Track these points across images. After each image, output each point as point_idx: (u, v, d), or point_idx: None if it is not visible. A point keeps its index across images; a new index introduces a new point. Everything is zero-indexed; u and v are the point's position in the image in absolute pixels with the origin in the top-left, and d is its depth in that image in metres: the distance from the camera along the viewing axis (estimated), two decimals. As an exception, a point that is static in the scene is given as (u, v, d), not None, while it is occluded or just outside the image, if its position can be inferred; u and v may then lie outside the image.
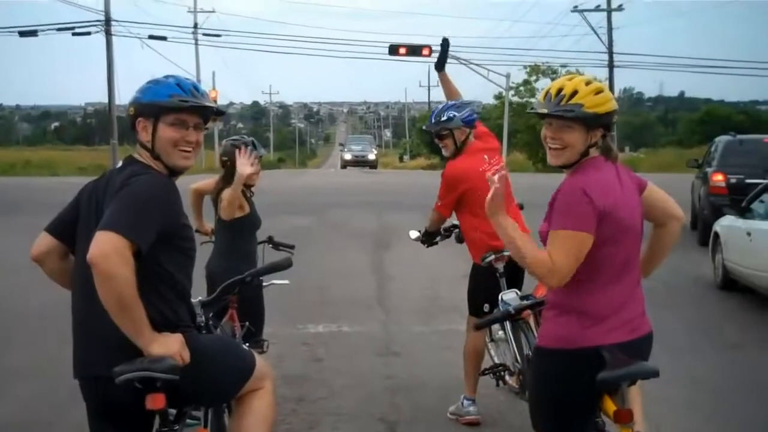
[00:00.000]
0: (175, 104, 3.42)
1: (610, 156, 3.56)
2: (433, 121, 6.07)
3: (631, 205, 3.51)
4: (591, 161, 3.50)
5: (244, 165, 5.78)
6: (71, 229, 3.49)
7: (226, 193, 5.97)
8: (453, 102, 6.10)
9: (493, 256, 5.77)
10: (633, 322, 3.49)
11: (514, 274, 5.88)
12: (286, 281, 5.58)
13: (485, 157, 5.94)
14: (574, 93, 3.45)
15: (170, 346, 3.24)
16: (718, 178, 15.05)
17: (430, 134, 6.36)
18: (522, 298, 5.34)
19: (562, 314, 3.47)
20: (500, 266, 5.79)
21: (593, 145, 3.50)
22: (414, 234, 6.51)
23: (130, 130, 3.54)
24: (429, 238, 6.38)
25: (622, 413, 3.33)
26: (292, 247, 6.62)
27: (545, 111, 3.48)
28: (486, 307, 5.89)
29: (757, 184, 11.73)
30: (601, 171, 3.48)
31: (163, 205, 3.33)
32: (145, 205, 3.24)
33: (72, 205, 3.56)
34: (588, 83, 3.51)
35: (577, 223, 3.33)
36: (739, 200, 11.83)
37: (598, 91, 3.48)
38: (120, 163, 3.53)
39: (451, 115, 5.94)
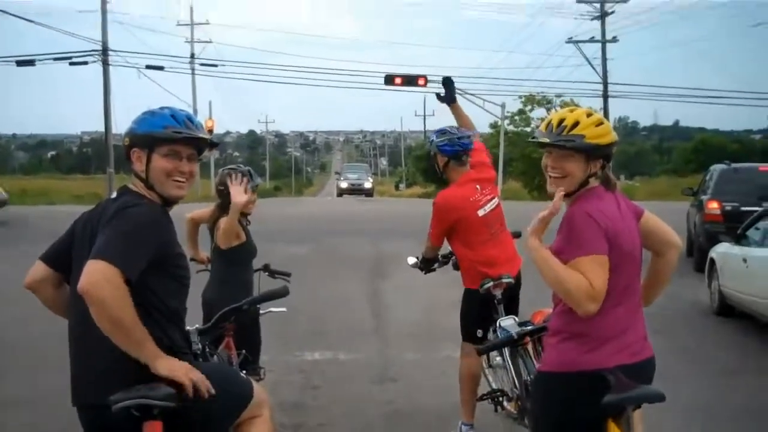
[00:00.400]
0: (169, 135, 3.47)
1: (609, 186, 3.63)
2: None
3: (631, 232, 3.56)
4: (592, 190, 3.57)
5: (238, 193, 5.81)
6: (66, 258, 3.52)
7: (223, 222, 5.99)
8: (442, 128, 6.17)
9: (491, 283, 5.78)
10: (634, 346, 3.52)
11: (510, 301, 5.90)
12: (283, 309, 5.58)
13: (477, 186, 5.98)
14: (576, 124, 3.53)
15: (177, 369, 3.27)
16: (714, 206, 15.13)
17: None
18: (520, 324, 5.35)
19: (565, 340, 3.50)
20: (498, 293, 5.81)
21: (593, 175, 3.57)
22: (411, 260, 6.54)
23: (126, 160, 3.58)
24: (426, 264, 6.40)
25: None
26: (288, 275, 6.62)
27: (547, 140, 3.55)
28: (479, 333, 5.92)
29: (752, 212, 11.79)
30: (603, 200, 3.55)
31: (154, 234, 3.36)
32: (135, 235, 3.27)
33: (67, 234, 3.60)
34: (589, 115, 3.60)
35: (595, 246, 3.38)
36: (734, 227, 11.89)
37: (599, 123, 3.57)
38: (114, 194, 3.56)
39: (432, 138, 6.12)
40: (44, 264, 3.59)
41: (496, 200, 6.07)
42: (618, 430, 3.40)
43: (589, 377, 3.41)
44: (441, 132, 6.07)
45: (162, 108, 3.59)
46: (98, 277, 3.10)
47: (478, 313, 5.95)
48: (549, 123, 3.62)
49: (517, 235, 6.28)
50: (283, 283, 5.80)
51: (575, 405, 3.46)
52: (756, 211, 11.70)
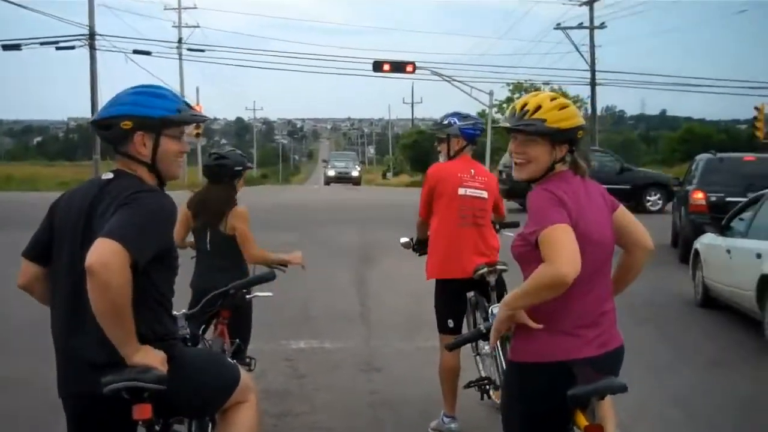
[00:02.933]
0: (188, 119, 3.47)
1: (578, 170, 3.55)
2: (437, 123, 6.17)
3: (598, 220, 3.50)
4: (558, 174, 3.51)
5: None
6: (48, 251, 3.46)
7: (239, 211, 6.04)
8: (458, 112, 6.13)
9: (485, 269, 5.80)
10: (602, 337, 3.46)
11: (500, 288, 5.91)
12: (270, 293, 5.57)
13: (472, 170, 5.98)
14: (538, 108, 3.50)
15: (152, 359, 3.24)
16: (699, 197, 15.14)
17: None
18: None
19: (530, 330, 3.44)
20: (492, 279, 5.83)
21: (560, 161, 3.52)
22: (404, 239, 6.56)
23: (117, 143, 3.41)
24: (420, 246, 6.41)
25: (593, 428, 3.33)
26: (285, 265, 6.59)
27: (508, 125, 3.55)
28: (450, 323, 5.94)
29: (737, 202, 11.82)
30: (569, 183, 3.49)
31: (167, 225, 3.35)
32: (151, 223, 3.24)
33: (44, 224, 3.51)
34: (553, 99, 3.56)
35: (555, 217, 3.31)
36: (719, 218, 11.90)
37: (563, 107, 3.52)
38: (110, 175, 3.44)
39: (452, 121, 6.03)
40: (29, 262, 3.52)
41: (485, 194, 5.99)
42: (585, 420, 3.40)
43: (555, 368, 3.38)
44: (463, 116, 6.05)
45: (157, 87, 3.52)
46: (109, 257, 3.03)
47: (445, 303, 6.01)
48: (513, 108, 3.59)
49: (516, 225, 6.25)
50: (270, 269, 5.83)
51: (540, 395, 3.44)
52: (741, 201, 11.73)
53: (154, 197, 3.32)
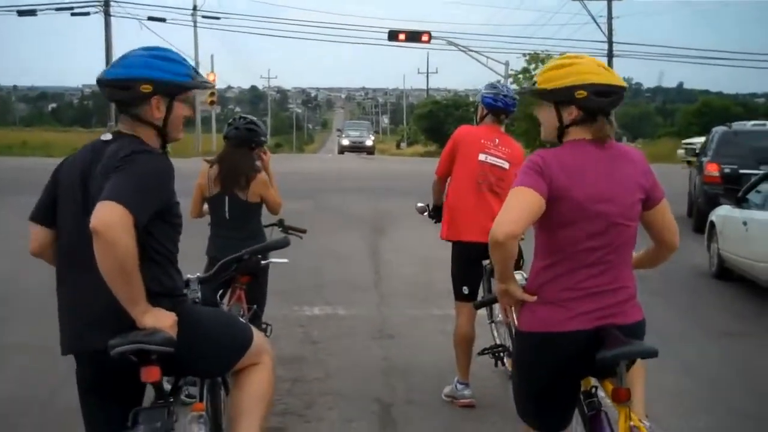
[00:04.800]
0: (198, 85, 3.53)
1: (596, 136, 3.41)
2: None
3: (606, 193, 3.35)
4: (570, 141, 3.43)
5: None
6: (53, 213, 3.48)
7: (264, 178, 6.24)
8: (493, 82, 6.36)
9: None
10: (604, 311, 3.37)
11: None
12: (285, 260, 5.56)
13: (497, 140, 6.00)
14: (539, 71, 3.52)
15: (162, 320, 3.24)
16: (713, 168, 15.25)
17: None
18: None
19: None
20: None
21: (572, 123, 3.41)
22: (420, 204, 6.58)
23: (131, 105, 3.41)
24: (436, 213, 6.42)
25: (620, 391, 3.30)
26: (303, 231, 6.59)
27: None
28: (465, 290, 5.94)
29: (751, 175, 11.81)
30: (575, 150, 3.39)
31: (164, 185, 3.35)
32: (148, 184, 3.25)
33: (48, 187, 3.53)
34: (562, 61, 3.50)
35: (521, 179, 3.31)
36: (732, 190, 11.91)
37: (561, 67, 3.44)
38: (108, 136, 3.47)
39: (480, 88, 6.26)
40: (38, 225, 3.53)
41: (506, 164, 5.95)
42: (611, 384, 3.39)
43: (553, 338, 3.36)
44: (491, 86, 6.19)
45: (169, 51, 3.52)
46: (113, 218, 3.06)
47: (460, 269, 6.00)
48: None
49: None
50: (285, 235, 5.85)
51: (542, 365, 3.43)
52: (754, 173, 11.71)
53: (150, 158, 3.33)
